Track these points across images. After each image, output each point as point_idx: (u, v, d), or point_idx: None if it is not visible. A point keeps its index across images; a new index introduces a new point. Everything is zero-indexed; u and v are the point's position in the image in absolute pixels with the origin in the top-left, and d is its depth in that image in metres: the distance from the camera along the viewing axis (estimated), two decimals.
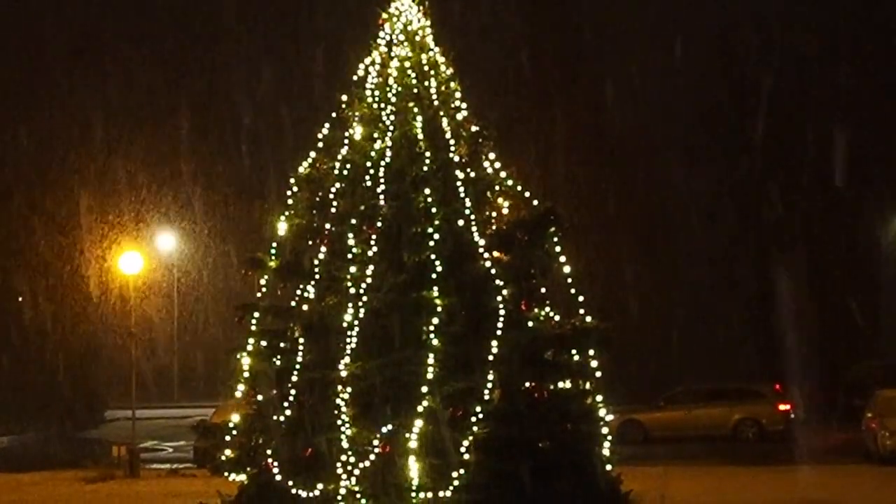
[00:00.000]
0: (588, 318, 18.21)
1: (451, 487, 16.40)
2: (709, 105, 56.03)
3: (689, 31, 57.59)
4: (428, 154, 18.40)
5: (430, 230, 17.72)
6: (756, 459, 34.89)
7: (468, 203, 18.09)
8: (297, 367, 17.91)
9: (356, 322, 17.31)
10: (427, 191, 18.01)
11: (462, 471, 16.43)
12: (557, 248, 18.34)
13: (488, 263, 17.70)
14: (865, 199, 51.34)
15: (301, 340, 18.13)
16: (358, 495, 16.77)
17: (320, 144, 19.40)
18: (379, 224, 17.83)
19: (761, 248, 52.91)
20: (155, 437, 46.32)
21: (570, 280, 18.33)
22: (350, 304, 17.49)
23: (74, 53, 59.19)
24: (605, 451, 18.14)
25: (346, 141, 19.04)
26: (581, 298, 18.30)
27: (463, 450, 16.50)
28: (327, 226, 18.47)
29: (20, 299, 52.99)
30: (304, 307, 18.31)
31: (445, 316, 17.08)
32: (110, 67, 61.27)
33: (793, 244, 51.75)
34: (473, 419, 16.60)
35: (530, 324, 17.98)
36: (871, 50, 53.09)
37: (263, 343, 18.66)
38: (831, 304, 50.55)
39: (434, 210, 17.88)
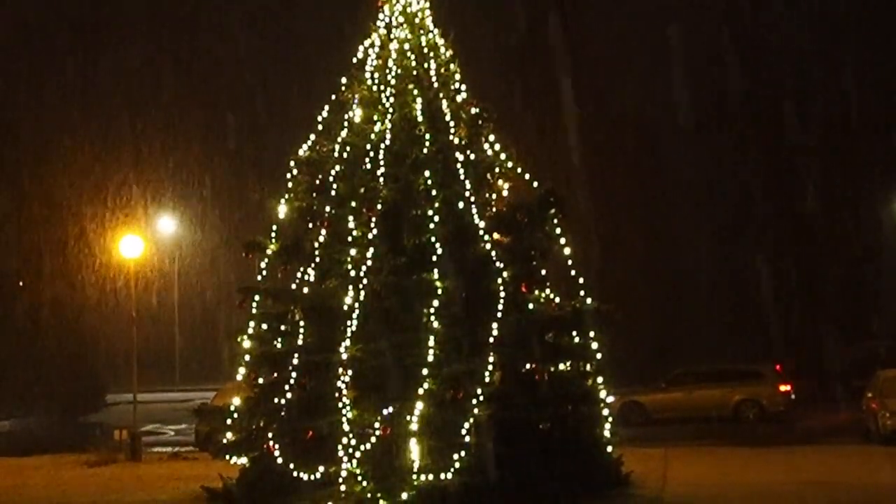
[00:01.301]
0: (588, 301, 18.22)
1: (452, 469, 16.42)
2: (712, 88, 55.93)
3: (695, 13, 57.43)
4: (428, 136, 18.41)
5: (430, 212, 17.73)
6: (757, 440, 34.80)
7: (468, 185, 18.10)
8: (298, 350, 17.94)
9: (357, 305, 17.33)
10: (427, 173, 18.01)
11: (463, 453, 16.46)
12: (558, 231, 18.34)
13: (488, 246, 17.72)
14: (865, 181, 51.29)
15: (302, 323, 18.14)
16: (359, 477, 16.79)
17: (320, 127, 19.39)
18: (379, 207, 17.83)
19: (762, 228, 52.85)
20: (156, 421, 46.15)
21: (570, 262, 18.34)
22: (350, 287, 17.50)
23: (75, 37, 59.14)
24: (606, 433, 18.20)
25: (346, 123, 19.04)
26: (581, 280, 18.30)
27: (464, 432, 16.52)
28: (327, 208, 18.47)
29: (20, 284, 52.98)
30: (305, 290, 18.31)
31: (445, 298, 17.09)
32: (112, 52, 61.25)
33: (795, 226, 51.71)
34: (474, 401, 16.62)
35: (531, 306, 18.02)
36: (874, 46, 53.00)
37: (264, 326, 18.68)
38: (832, 285, 50.55)
39: (434, 192, 17.88)
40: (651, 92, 57.01)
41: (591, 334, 18.10)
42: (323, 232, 18.34)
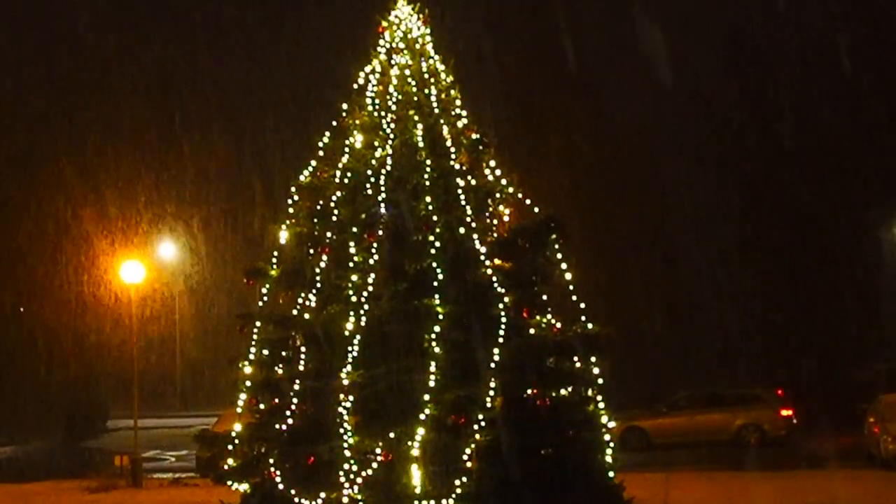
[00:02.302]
0: (590, 325, 18.21)
1: (453, 495, 16.41)
2: (711, 111, 56.05)
3: (692, 39, 57.60)
4: (428, 162, 18.42)
5: (431, 238, 17.74)
6: (759, 465, 34.85)
7: (469, 211, 18.10)
8: (299, 375, 17.94)
9: (358, 330, 17.32)
10: (428, 199, 18.02)
11: (464, 478, 16.45)
12: (559, 255, 18.34)
13: (489, 271, 17.71)
14: (868, 202, 51.31)
15: (303, 349, 18.14)
16: (360, 503, 16.77)
17: (321, 153, 19.41)
18: (380, 232, 17.83)
19: (762, 252, 52.89)
20: (157, 447, 46.24)
21: (571, 287, 18.33)
22: (351, 313, 17.50)
23: (75, 62, 59.32)
24: (608, 458, 18.14)
25: (347, 149, 19.05)
26: (582, 305, 18.29)
27: (465, 457, 16.51)
28: (328, 234, 18.47)
29: (21, 309, 53.05)
30: (306, 316, 18.29)
31: (447, 323, 17.09)
32: (111, 77, 61.41)
33: (795, 249, 51.76)
34: (475, 427, 16.61)
35: (532, 331, 17.99)
36: (874, 53, 53.11)
37: (265, 352, 18.66)
38: (834, 308, 50.55)
39: (435, 218, 17.89)
40: (652, 114, 57.11)
41: (593, 359, 18.07)
42: (324, 257, 18.33)
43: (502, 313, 17.29)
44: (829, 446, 37.13)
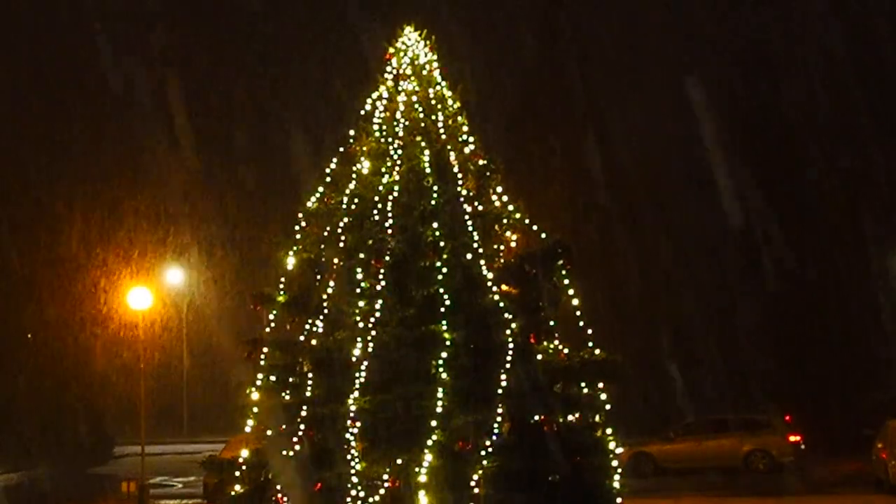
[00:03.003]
0: (597, 351, 18.19)
1: None
2: (716, 139, 56.07)
3: (697, 65, 57.63)
4: (436, 188, 18.44)
5: (439, 264, 17.75)
6: (767, 490, 34.79)
7: (476, 237, 18.12)
8: (307, 401, 17.92)
9: (365, 356, 17.32)
10: (435, 224, 18.05)
11: None
12: (566, 281, 18.33)
13: (497, 297, 17.71)
14: (875, 228, 51.24)
15: (310, 375, 18.13)
16: None
17: (328, 179, 19.44)
18: (387, 258, 17.85)
19: (768, 279, 52.82)
20: (164, 473, 46.18)
21: (578, 313, 18.31)
22: (359, 339, 17.50)
23: (81, 89, 59.41)
24: (616, 484, 18.09)
25: (354, 175, 19.08)
26: (590, 331, 18.27)
27: (473, 484, 16.48)
28: (335, 260, 18.49)
29: (29, 336, 53.05)
30: (313, 342, 18.30)
31: (454, 349, 17.09)
32: (117, 105, 61.54)
33: (801, 274, 51.69)
34: (483, 453, 16.60)
35: (539, 357, 17.95)
36: (881, 79, 53.13)
37: (272, 378, 18.64)
38: (841, 333, 50.42)
39: (442, 244, 17.91)
40: (657, 138, 57.15)
41: (600, 385, 18.04)
42: (331, 283, 18.35)
43: (509, 339, 17.29)
44: (837, 472, 37.06)
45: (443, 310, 17.30)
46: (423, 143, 18.89)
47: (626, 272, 52.16)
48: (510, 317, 17.48)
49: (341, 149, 19.55)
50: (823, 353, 50.14)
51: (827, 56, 55.27)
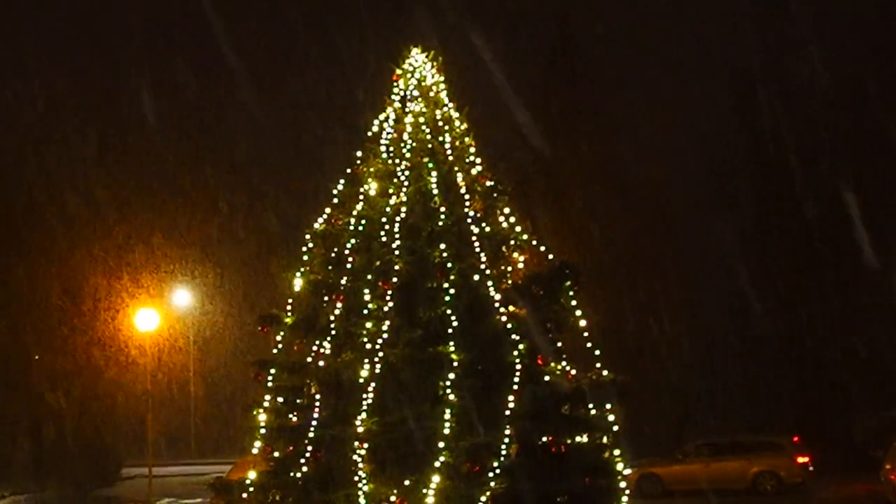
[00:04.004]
0: (605, 372, 18.16)
1: None
2: (725, 154, 56.06)
3: (706, 81, 57.79)
4: (443, 209, 18.45)
5: (446, 285, 17.74)
6: None
7: (483, 258, 18.11)
8: (314, 423, 17.90)
9: (372, 378, 17.30)
10: (442, 246, 18.04)
11: None
12: (573, 302, 18.31)
13: (504, 318, 17.68)
14: (891, 244, 51.14)
15: (317, 396, 18.12)
16: None
17: (335, 200, 19.45)
18: (394, 279, 17.83)
19: (780, 298, 52.73)
20: (172, 495, 46.11)
21: (586, 334, 18.28)
22: (366, 360, 17.49)
23: (91, 111, 59.54)
24: None
25: (361, 196, 19.09)
26: (598, 352, 18.25)
27: None
28: (343, 281, 18.49)
29: (36, 357, 53.04)
30: (320, 363, 18.29)
31: (461, 371, 17.06)
32: (126, 124, 61.65)
33: (812, 295, 51.58)
34: (490, 474, 16.56)
35: (547, 378, 17.92)
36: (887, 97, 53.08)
37: (280, 399, 18.65)
38: (851, 354, 50.33)
39: (449, 265, 17.90)
40: (668, 157, 57.21)
41: (608, 406, 18.00)
42: (338, 305, 18.34)
43: (517, 360, 17.26)
44: (847, 493, 36.95)
45: (450, 331, 17.28)
46: (430, 165, 18.89)
47: (638, 292, 52.09)
48: (518, 338, 17.45)
49: (348, 170, 19.56)
50: (832, 373, 50.07)
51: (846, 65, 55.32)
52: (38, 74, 60.67)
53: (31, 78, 60.09)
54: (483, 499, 16.43)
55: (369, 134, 19.66)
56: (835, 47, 55.78)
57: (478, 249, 18.14)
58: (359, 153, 19.59)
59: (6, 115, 58.24)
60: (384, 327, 17.56)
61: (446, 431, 16.58)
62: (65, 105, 58.43)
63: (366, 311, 17.94)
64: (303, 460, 17.78)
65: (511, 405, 16.89)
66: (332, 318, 18.33)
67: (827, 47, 55.33)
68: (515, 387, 17.03)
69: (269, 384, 18.65)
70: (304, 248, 19.24)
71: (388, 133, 19.43)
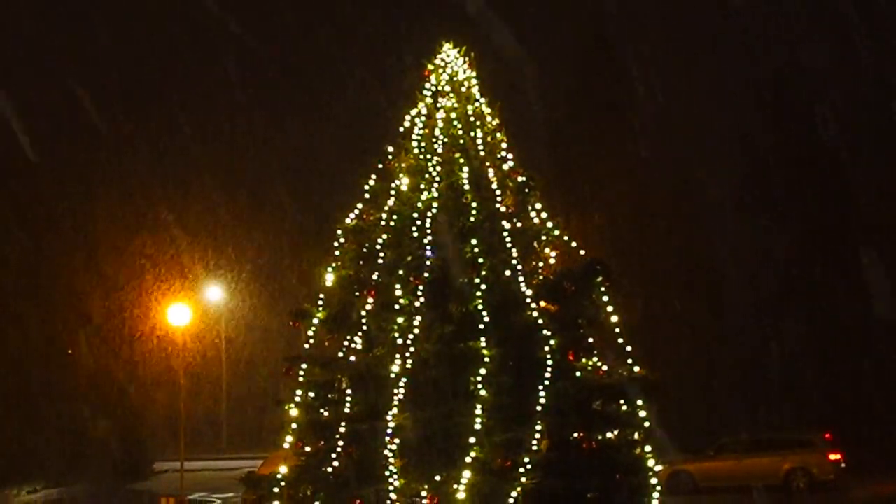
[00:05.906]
0: (636, 368, 18.12)
1: None
2: (757, 153, 55.83)
3: (739, 83, 57.48)
4: (474, 205, 18.42)
5: (478, 281, 17.73)
6: None
7: (515, 253, 18.08)
8: (345, 418, 17.93)
9: (404, 373, 17.31)
10: (474, 241, 18.02)
11: None
12: (605, 298, 18.26)
13: (536, 313, 17.64)
14: None
15: (348, 392, 18.14)
16: None
17: (367, 196, 19.44)
18: (426, 275, 17.82)
19: (809, 296, 52.54)
20: (203, 489, 46.22)
21: (617, 330, 18.24)
22: (397, 355, 17.48)
23: (121, 109, 59.84)
24: (654, 502, 18.01)
25: (393, 192, 19.08)
26: (629, 348, 18.20)
27: (511, 501, 16.44)
28: (374, 277, 18.49)
29: (69, 352, 53.30)
30: (352, 358, 18.30)
31: (493, 366, 17.04)
32: (159, 125, 61.97)
33: (842, 292, 51.36)
34: (522, 470, 16.54)
35: (578, 374, 17.87)
36: None
37: (311, 394, 18.65)
38: (881, 351, 50.11)
39: (481, 260, 17.87)
40: (699, 157, 56.97)
41: (639, 402, 17.95)
42: (370, 300, 18.33)
43: (548, 356, 17.22)
44: (879, 492, 36.78)
45: (481, 326, 17.26)
46: (461, 160, 18.87)
47: (670, 289, 51.93)
48: (549, 333, 17.41)
49: (380, 165, 19.55)
50: (864, 370, 49.81)
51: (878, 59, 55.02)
52: (85, 69, 61.03)
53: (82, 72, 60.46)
54: (514, 494, 16.42)
55: (401, 129, 19.65)
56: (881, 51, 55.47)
57: (509, 245, 18.12)
58: (390, 148, 19.59)
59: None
60: (415, 323, 17.56)
61: (477, 427, 16.57)
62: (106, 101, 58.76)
63: (397, 307, 17.93)
64: (334, 455, 17.80)
65: (542, 401, 16.86)
66: (363, 313, 18.34)
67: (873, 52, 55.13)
68: (546, 382, 17.00)
69: (301, 379, 18.67)
70: (336, 244, 19.23)
71: (419, 128, 19.41)
